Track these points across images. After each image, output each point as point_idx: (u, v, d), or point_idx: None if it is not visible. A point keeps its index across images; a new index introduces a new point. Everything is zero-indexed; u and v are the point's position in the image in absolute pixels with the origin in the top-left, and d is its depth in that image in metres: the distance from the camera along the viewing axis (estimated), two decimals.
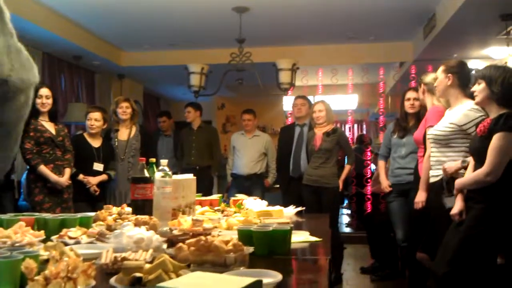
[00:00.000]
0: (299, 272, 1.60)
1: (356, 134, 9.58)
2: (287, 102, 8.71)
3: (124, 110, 4.52)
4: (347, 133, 8.67)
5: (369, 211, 6.16)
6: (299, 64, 5.53)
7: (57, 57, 6.33)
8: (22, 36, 4.39)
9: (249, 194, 3.91)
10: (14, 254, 1.35)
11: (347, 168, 4.70)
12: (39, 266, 1.34)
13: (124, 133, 4.56)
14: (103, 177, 4.23)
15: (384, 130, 5.53)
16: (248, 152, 5.54)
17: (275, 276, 1.33)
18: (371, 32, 6.23)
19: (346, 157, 4.88)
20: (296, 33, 6.26)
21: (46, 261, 1.42)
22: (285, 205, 3.27)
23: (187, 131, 5.79)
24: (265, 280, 1.23)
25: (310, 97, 8.12)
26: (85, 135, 4.28)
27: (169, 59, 7.01)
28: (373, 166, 6.93)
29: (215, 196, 3.45)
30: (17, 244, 1.75)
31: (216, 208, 3.01)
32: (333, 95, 7.77)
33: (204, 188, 4.32)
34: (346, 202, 8.21)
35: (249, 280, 1.14)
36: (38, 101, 3.77)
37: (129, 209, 2.62)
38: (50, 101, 3.83)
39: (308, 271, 1.62)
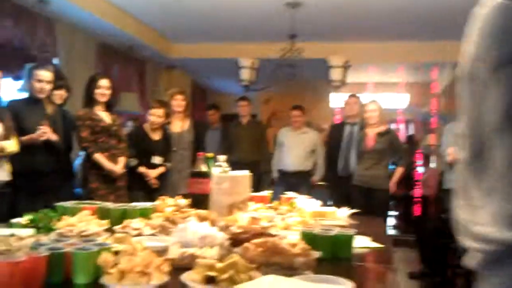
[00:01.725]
0: (367, 280, 1.58)
1: (404, 134, 9.37)
2: (335, 99, 8.61)
3: (179, 102, 4.57)
4: None
5: (417, 214, 6.03)
6: (350, 61, 5.47)
7: (111, 47, 6.46)
8: (79, 25, 4.53)
9: (295, 191, 3.89)
10: (89, 246, 1.39)
11: (399, 170, 4.60)
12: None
13: (177, 126, 4.61)
14: (162, 169, 4.31)
15: (435, 132, 5.39)
16: (296, 148, 5.51)
17: (347, 285, 1.32)
18: (425, 30, 6.06)
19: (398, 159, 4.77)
20: (348, 29, 6.17)
21: (116, 253, 1.45)
22: (333, 204, 3.26)
23: (236, 125, 5.81)
24: None
25: (359, 94, 8.05)
26: (145, 127, 4.34)
27: (218, 52, 7.05)
28: (421, 169, 6.78)
29: (266, 193, 3.44)
30: (84, 233, 1.80)
31: (268, 205, 3.01)
32: (382, 93, 7.63)
33: (252, 183, 4.32)
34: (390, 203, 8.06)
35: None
36: (98, 91, 3.85)
37: (184, 201, 2.65)
38: (109, 91, 3.92)
39: (377, 280, 1.59)
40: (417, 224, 5.18)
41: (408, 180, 6.66)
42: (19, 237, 1.59)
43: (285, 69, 5.65)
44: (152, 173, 4.22)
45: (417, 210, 5.98)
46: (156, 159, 4.27)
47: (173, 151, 4.52)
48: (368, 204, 4.37)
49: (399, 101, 8.15)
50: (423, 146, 7.95)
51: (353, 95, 5.20)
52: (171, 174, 4.46)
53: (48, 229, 1.91)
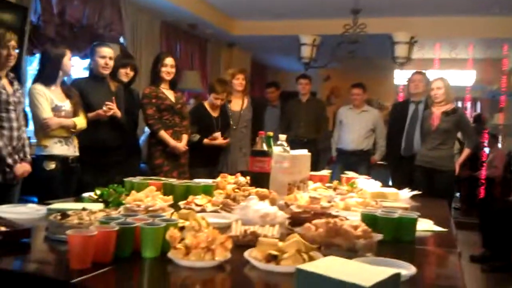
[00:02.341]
0: (430, 265, 1.56)
1: (471, 113, 9.01)
2: (399, 76, 8.37)
3: (241, 82, 4.62)
4: None
5: (482, 196, 5.82)
6: (416, 36, 5.27)
7: (174, 26, 6.58)
8: (144, 4, 4.62)
9: (354, 170, 3.85)
10: (157, 222, 1.45)
11: (466, 151, 4.42)
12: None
13: (237, 104, 4.67)
14: (225, 141, 4.40)
15: (504, 110, 5.13)
16: (356, 127, 5.42)
17: (409, 268, 1.31)
18: (496, 4, 5.72)
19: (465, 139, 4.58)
20: (414, 3, 5.93)
21: (181, 228, 1.51)
22: (393, 184, 3.20)
23: (295, 103, 5.78)
24: (402, 273, 1.20)
25: (424, 71, 7.78)
26: (206, 104, 4.42)
27: (279, 29, 7.00)
28: (487, 149, 6.50)
29: (325, 172, 3.43)
30: (150, 209, 1.88)
31: (327, 185, 3.01)
32: (449, 70, 7.33)
33: (310, 161, 4.31)
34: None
35: (389, 271, 1.12)
36: (164, 69, 3.95)
37: (243, 179, 2.70)
38: (174, 70, 4.00)
39: (439, 264, 1.57)
40: (481, 206, 4.98)
41: (473, 161, 6.41)
42: (91, 211, 1.69)
43: (347, 45, 5.53)
44: (218, 136, 4.33)
45: (481, 192, 5.77)
46: (217, 135, 4.36)
47: (233, 129, 4.58)
48: (431, 185, 4.25)
49: (467, 78, 7.80)
50: (491, 125, 7.61)
51: (418, 72, 5.00)
52: (231, 151, 4.54)
53: (117, 204, 2.00)
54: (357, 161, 5.29)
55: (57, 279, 1.22)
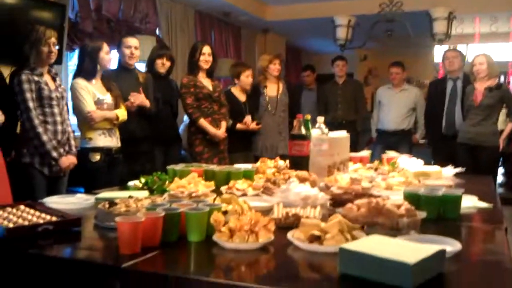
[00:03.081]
0: (475, 241, 1.53)
1: None
2: (438, 53, 8.13)
3: (278, 67, 4.66)
4: None
5: None
6: (455, 11, 5.12)
7: (208, 14, 6.61)
8: None
9: (395, 150, 3.80)
10: (201, 207, 1.49)
11: (510, 126, 4.29)
12: None
13: (273, 89, 4.69)
14: (257, 127, 4.47)
15: None
16: (395, 106, 5.33)
17: (454, 245, 1.30)
18: None
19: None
20: None
21: (224, 212, 1.54)
22: (435, 164, 3.13)
23: (332, 85, 5.73)
24: (446, 249, 1.19)
25: (464, 46, 7.54)
26: (233, 90, 4.46)
27: (313, 11, 6.91)
28: None
29: (366, 153, 3.41)
30: (194, 195, 1.93)
31: (368, 165, 2.99)
32: (491, 44, 7.08)
33: (350, 143, 4.29)
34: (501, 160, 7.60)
35: (433, 248, 1.12)
36: (202, 58, 3.99)
37: (283, 163, 2.71)
38: (211, 58, 4.04)
39: (486, 240, 1.55)
40: None
41: None
42: (137, 198, 1.74)
43: (384, 25, 5.43)
44: (248, 120, 4.40)
45: None
46: (247, 118, 4.42)
47: (272, 114, 4.61)
48: (475, 162, 4.16)
49: (509, 52, 7.52)
50: None
51: (451, 49, 4.86)
52: (269, 135, 4.58)
53: (161, 191, 2.06)
54: (398, 141, 5.21)
55: (108, 264, 1.27)
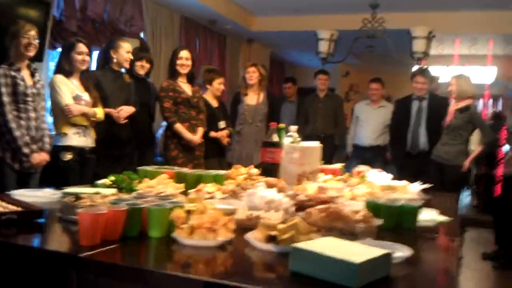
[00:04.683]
0: (427, 250, 1.58)
1: (490, 110, 8.91)
2: None
3: (251, 75, 4.68)
4: (480, 109, 8.09)
5: (498, 194, 5.76)
6: (435, 31, 5.24)
7: (193, 21, 6.66)
8: (164, 0, 4.67)
9: (370, 165, 3.86)
10: (164, 203, 1.51)
11: (478, 148, 4.42)
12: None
13: (253, 98, 4.73)
14: (227, 132, 4.52)
15: None
16: (372, 122, 5.42)
17: (404, 251, 1.34)
18: None
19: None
20: None
21: (189, 212, 1.57)
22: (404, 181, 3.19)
23: (313, 98, 5.81)
24: (395, 254, 1.24)
25: (444, 67, 7.70)
26: (206, 96, 4.48)
27: (297, 24, 7.02)
28: (507, 147, 6.41)
29: (338, 165, 3.46)
30: (161, 194, 1.95)
31: (338, 177, 3.04)
32: (469, 66, 7.25)
33: (325, 156, 4.34)
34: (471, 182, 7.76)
35: (381, 251, 1.17)
36: (179, 62, 4.03)
37: (256, 170, 2.74)
38: (189, 63, 4.07)
39: (437, 249, 1.60)
40: (496, 204, 4.95)
41: (490, 158, 6.34)
42: (103, 195, 1.76)
43: (365, 40, 5.53)
44: (223, 133, 4.45)
45: (497, 190, 5.71)
46: (221, 124, 4.48)
47: (249, 123, 4.65)
48: (442, 180, 4.28)
49: (487, 75, 7.71)
50: (510, 123, 7.50)
51: (421, 72, 4.95)
52: (246, 144, 4.61)
53: (130, 190, 2.08)
54: (373, 156, 5.28)
55: (66, 253, 1.29)
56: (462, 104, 4.37)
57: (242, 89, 4.81)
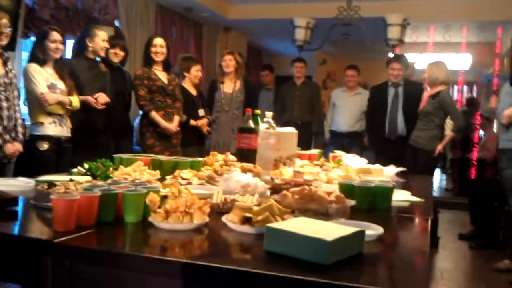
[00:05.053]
0: (400, 228, 1.62)
1: (465, 96, 9.07)
2: None
3: (227, 63, 4.67)
4: (455, 95, 8.23)
5: (473, 177, 5.91)
6: (409, 19, 5.30)
7: (169, 9, 6.59)
8: None
9: (347, 151, 3.90)
10: (139, 189, 1.51)
11: (450, 134, 4.53)
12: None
13: (229, 86, 4.73)
14: (207, 120, 4.54)
15: (497, 93, 5.18)
16: (348, 109, 5.47)
17: (377, 229, 1.37)
18: None
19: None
20: None
21: (164, 197, 1.57)
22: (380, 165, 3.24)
23: (290, 86, 5.82)
24: (367, 232, 1.27)
25: (418, 55, 7.79)
26: (184, 84, 4.47)
27: (274, 12, 7.01)
28: (481, 132, 6.56)
29: (315, 151, 3.50)
30: (137, 181, 1.94)
31: (315, 162, 3.07)
32: (444, 54, 7.35)
33: (303, 143, 4.38)
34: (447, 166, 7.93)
35: (353, 229, 1.19)
36: (153, 50, 4.00)
37: (233, 157, 2.75)
38: (164, 50, 4.04)
39: (410, 228, 1.64)
40: (471, 186, 5.08)
41: (465, 143, 6.48)
42: (77, 182, 1.75)
43: (342, 28, 5.56)
44: (202, 122, 4.46)
45: (473, 173, 5.84)
46: (201, 112, 4.49)
47: (225, 111, 4.65)
48: (416, 163, 4.38)
49: (461, 62, 7.83)
50: (485, 109, 7.66)
51: (396, 58, 5.02)
52: (223, 132, 4.62)
53: (105, 177, 2.06)
54: (350, 142, 5.34)
55: (40, 239, 1.28)
56: (435, 90, 4.45)
57: (218, 77, 4.80)
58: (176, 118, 4.09)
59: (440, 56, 7.16)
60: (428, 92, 4.52)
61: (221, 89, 4.71)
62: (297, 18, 5.69)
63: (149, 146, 3.97)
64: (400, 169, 2.93)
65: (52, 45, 3.27)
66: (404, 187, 2.40)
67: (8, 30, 3.03)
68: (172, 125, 4.03)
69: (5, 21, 2.99)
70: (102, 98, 3.61)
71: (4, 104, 3.01)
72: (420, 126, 4.51)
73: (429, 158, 4.46)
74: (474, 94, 10.04)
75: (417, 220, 1.75)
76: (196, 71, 4.50)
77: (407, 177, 2.84)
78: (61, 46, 3.33)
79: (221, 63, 4.73)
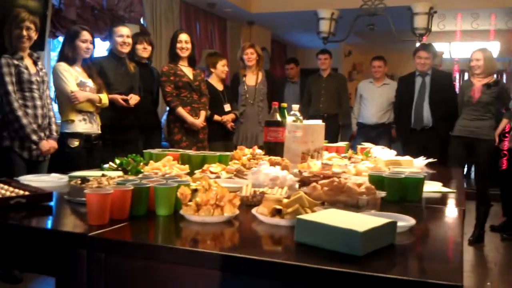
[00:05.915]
0: (432, 220, 1.60)
1: None
2: None
3: (249, 56, 4.67)
4: None
5: (504, 167, 5.77)
6: (436, 7, 5.21)
7: (193, 5, 6.63)
8: None
9: (375, 144, 3.86)
10: (169, 182, 1.53)
11: (504, 122, 4.41)
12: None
13: (252, 79, 4.73)
14: (233, 115, 4.56)
15: None
16: (376, 101, 5.40)
17: (408, 220, 1.36)
18: None
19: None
20: None
21: (195, 191, 1.59)
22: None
23: (316, 78, 5.78)
24: (399, 223, 1.26)
25: (446, 44, 7.64)
26: (210, 80, 4.50)
27: (298, 4, 6.96)
28: None
29: (342, 143, 3.48)
30: (167, 175, 1.97)
31: (342, 155, 3.05)
32: (472, 42, 7.20)
33: (330, 135, 4.36)
34: None
35: (384, 220, 1.18)
36: (178, 45, 4.03)
37: (260, 151, 2.76)
38: (189, 46, 4.07)
39: (442, 220, 1.61)
40: (502, 177, 4.97)
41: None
42: (110, 177, 1.78)
43: (367, 19, 5.50)
44: (227, 117, 4.48)
45: (504, 163, 5.70)
46: (227, 107, 4.51)
47: (250, 104, 4.65)
48: (469, 156, 4.39)
49: (491, 50, 7.64)
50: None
51: (424, 47, 4.89)
52: (249, 125, 4.63)
53: (136, 172, 2.10)
54: (378, 134, 5.28)
55: (75, 233, 1.32)
56: (489, 79, 4.34)
57: (241, 70, 4.81)
58: (203, 113, 4.13)
59: (469, 44, 7.02)
60: (479, 80, 4.39)
61: (244, 83, 4.72)
62: (321, 10, 5.66)
63: (177, 141, 4.02)
64: (430, 160, 2.90)
65: (83, 45, 3.33)
66: (435, 178, 2.36)
67: (31, 33, 3.05)
68: (199, 121, 4.06)
69: (28, 23, 3.01)
70: (133, 100, 3.66)
71: (38, 102, 3.09)
72: (477, 116, 4.38)
73: (492, 148, 4.40)
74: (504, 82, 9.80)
75: (448, 211, 1.72)
76: (222, 66, 4.52)
77: (438, 169, 2.81)
78: (91, 46, 3.39)
79: (243, 56, 4.72)
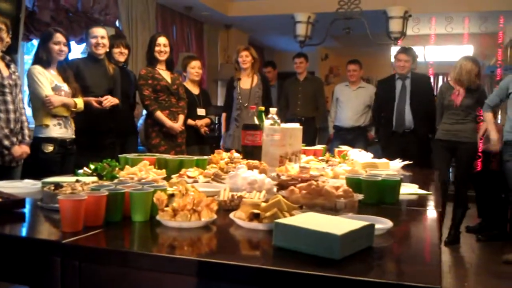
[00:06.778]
0: (410, 222, 1.61)
1: None
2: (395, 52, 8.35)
3: (244, 59, 4.63)
4: None
5: (479, 169, 5.88)
6: (411, 11, 5.28)
7: (169, 8, 6.59)
8: None
9: (352, 147, 3.89)
10: (146, 188, 1.51)
11: (484, 125, 4.48)
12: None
13: (247, 82, 4.69)
14: (207, 120, 4.51)
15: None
16: (352, 104, 5.45)
17: (386, 223, 1.37)
18: None
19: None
20: None
21: (171, 195, 1.57)
22: (386, 159, 3.23)
23: (293, 81, 5.80)
24: (376, 226, 1.26)
25: (421, 48, 7.75)
26: (185, 84, 4.46)
27: (275, 8, 7.00)
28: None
29: (320, 147, 3.49)
30: (143, 180, 1.94)
31: (320, 158, 3.07)
32: (446, 46, 7.32)
33: (308, 139, 4.36)
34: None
35: (362, 223, 1.18)
36: (157, 49, 3.99)
37: (238, 155, 2.75)
38: (167, 49, 4.04)
39: (419, 221, 1.63)
40: (477, 178, 5.06)
41: None
42: (84, 182, 1.75)
43: (343, 23, 5.54)
44: (201, 122, 4.45)
45: (478, 165, 5.81)
46: (200, 111, 4.49)
47: (244, 107, 4.62)
48: (451, 159, 4.49)
49: (464, 53, 7.77)
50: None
51: (403, 50, 4.95)
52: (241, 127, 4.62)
53: (111, 177, 2.06)
54: (354, 137, 5.32)
55: (49, 240, 1.28)
56: (472, 85, 4.41)
57: (235, 73, 4.78)
58: (181, 117, 4.09)
59: (442, 48, 7.14)
60: (461, 84, 4.44)
61: (238, 86, 4.69)
62: (297, 13, 5.68)
63: (154, 145, 3.97)
64: (406, 162, 2.93)
65: (56, 47, 3.27)
66: (412, 180, 2.39)
67: (4, 35, 2.99)
68: (177, 125, 4.03)
69: (0, 25, 2.95)
70: (108, 102, 3.59)
71: (11, 106, 3.01)
72: (458, 120, 4.44)
73: (475, 151, 4.50)
74: None
75: (426, 213, 1.73)
76: (192, 68, 4.47)
77: (414, 170, 2.84)
78: (64, 48, 3.33)
79: (238, 59, 4.69)
